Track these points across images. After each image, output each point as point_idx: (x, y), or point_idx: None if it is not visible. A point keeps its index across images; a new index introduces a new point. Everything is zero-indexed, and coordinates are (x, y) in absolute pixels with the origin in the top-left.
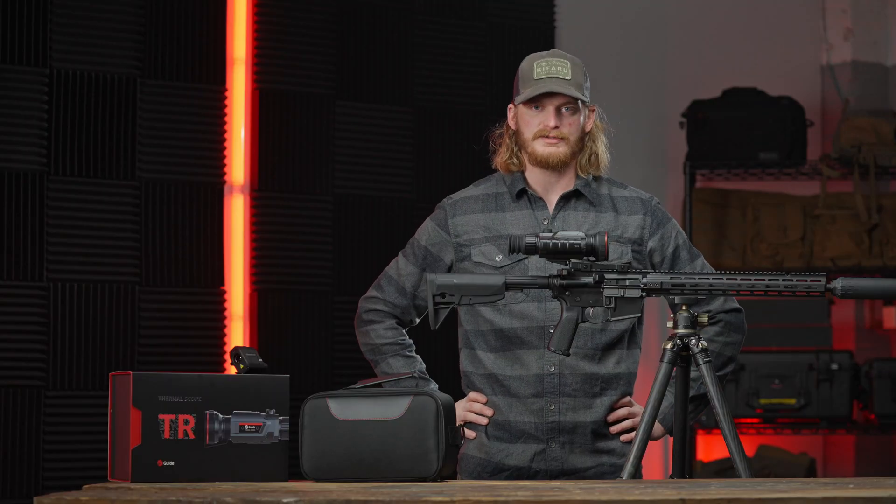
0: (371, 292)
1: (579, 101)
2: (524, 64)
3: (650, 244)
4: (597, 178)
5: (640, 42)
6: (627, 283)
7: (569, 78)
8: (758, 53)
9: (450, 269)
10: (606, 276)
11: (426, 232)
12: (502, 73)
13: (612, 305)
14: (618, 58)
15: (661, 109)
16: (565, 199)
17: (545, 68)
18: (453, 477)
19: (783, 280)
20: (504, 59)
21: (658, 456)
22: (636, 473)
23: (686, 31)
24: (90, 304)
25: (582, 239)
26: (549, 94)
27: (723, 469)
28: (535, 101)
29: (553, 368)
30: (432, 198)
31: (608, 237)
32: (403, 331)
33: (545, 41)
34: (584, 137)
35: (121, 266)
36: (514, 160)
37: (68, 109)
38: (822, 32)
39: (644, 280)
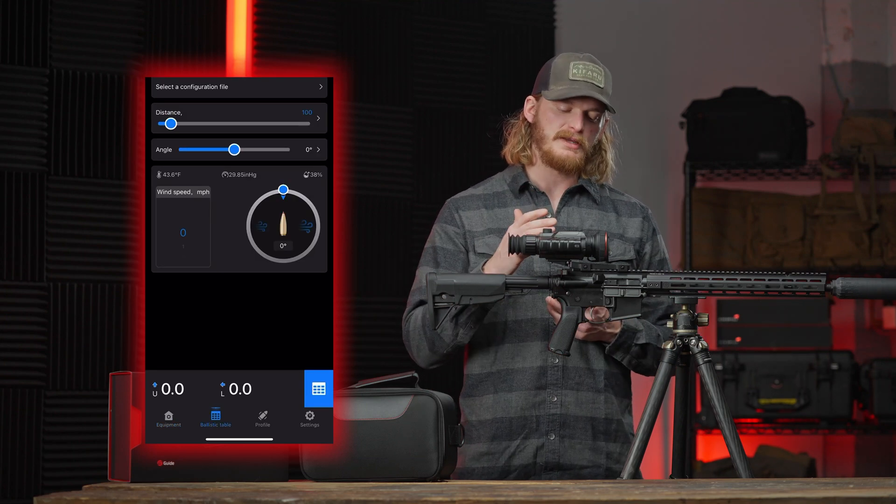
0: (405, 314)
1: (604, 112)
2: (559, 60)
3: (646, 248)
4: (599, 184)
5: (640, 42)
6: (627, 283)
7: (602, 86)
8: (758, 53)
9: (467, 262)
10: (606, 276)
11: (436, 234)
12: (502, 73)
13: (612, 305)
14: (617, 58)
15: (661, 109)
16: (570, 194)
17: (582, 70)
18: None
19: (783, 280)
20: (504, 59)
21: (658, 456)
22: (636, 473)
23: (686, 31)
24: (90, 304)
25: (582, 239)
26: (582, 98)
27: (723, 469)
28: (566, 102)
29: (557, 361)
30: (432, 198)
31: (612, 235)
32: None
33: (545, 41)
34: (596, 146)
35: (121, 266)
36: (527, 152)
37: (68, 109)
38: (822, 32)
39: (644, 280)
